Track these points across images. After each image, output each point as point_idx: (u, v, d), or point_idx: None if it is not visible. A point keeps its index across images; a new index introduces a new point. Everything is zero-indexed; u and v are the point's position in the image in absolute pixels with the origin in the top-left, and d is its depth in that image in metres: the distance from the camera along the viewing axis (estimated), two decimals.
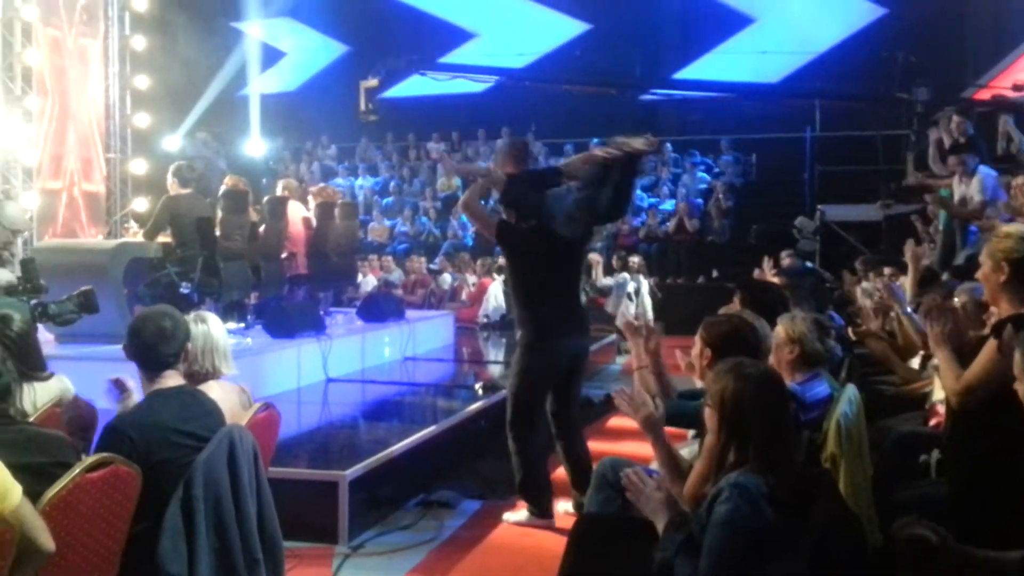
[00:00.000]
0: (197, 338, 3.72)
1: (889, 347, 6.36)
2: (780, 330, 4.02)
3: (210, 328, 3.82)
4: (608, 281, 14.12)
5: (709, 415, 2.97)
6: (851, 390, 3.87)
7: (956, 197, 9.13)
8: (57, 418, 3.67)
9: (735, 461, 2.82)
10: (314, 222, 10.06)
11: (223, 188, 9.14)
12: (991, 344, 3.49)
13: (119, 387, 3.85)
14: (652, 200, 18.00)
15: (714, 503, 2.76)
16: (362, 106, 17.64)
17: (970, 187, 8.89)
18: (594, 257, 15.02)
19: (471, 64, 19.84)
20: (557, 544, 3.88)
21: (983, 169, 8.98)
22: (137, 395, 3.79)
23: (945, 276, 7.00)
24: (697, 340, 3.90)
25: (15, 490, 2.57)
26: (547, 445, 5.74)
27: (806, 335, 3.95)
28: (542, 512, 5.47)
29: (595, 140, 19.27)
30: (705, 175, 18.21)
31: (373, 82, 18.13)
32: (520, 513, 5.56)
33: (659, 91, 18.23)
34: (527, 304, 5.50)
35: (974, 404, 3.56)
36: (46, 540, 2.63)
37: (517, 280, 5.62)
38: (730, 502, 2.70)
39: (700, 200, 17.62)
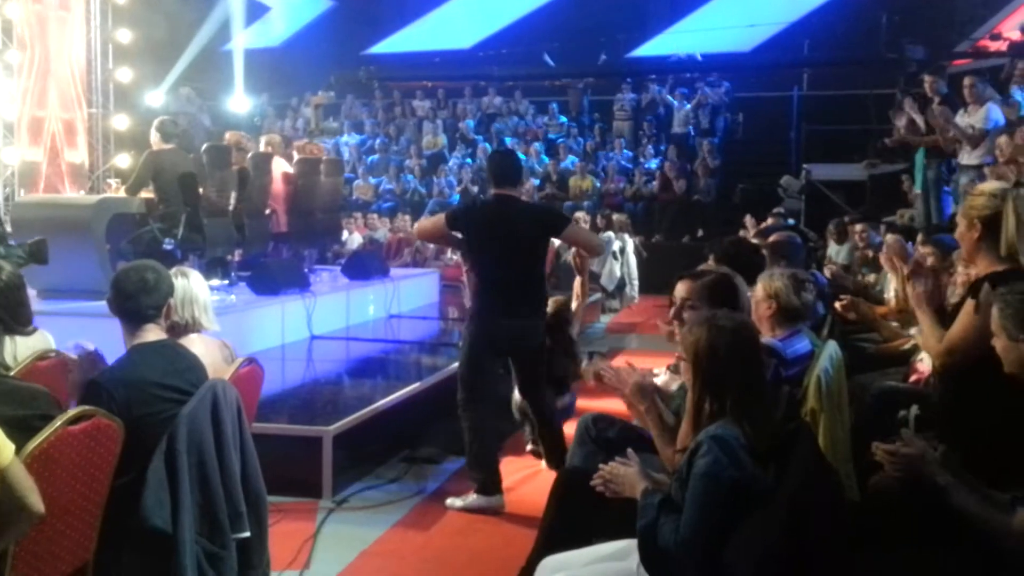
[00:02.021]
0: (177, 290, 3.71)
1: (871, 308, 6.40)
2: (759, 285, 4.04)
3: (190, 281, 3.81)
4: None
5: (684, 368, 2.98)
6: (832, 346, 3.89)
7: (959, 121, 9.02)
8: (39, 373, 3.65)
9: (712, 413, 2.84)
10: (296, 179, 9.99)
11: (207, 143, 9.06)
12: (969, 304, 3.50)
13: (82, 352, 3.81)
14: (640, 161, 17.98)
15: (693, 457, 2.77)
16: (313, 123, 17.62)
17: (975, 115, 8.85)
18: (580, 215, 15.00)
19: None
20: (540, 498, 3.92)
21: (992, 104, 8.92)
22: (99, 359, 3.73)
23: (920, 237, 7.04)
24: (677, 295, 3.90)
25: (6, 449, 2.54)
26: (498, 425, 5.69)
27: (782, 290, 3.96)
28: (487, 489, 5.21)
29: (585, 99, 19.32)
30: (687, 103, 18.18)
31: (321, 98, 18.05)
32: (466, 498, 5.25)
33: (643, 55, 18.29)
34: (475, 275, 5.43)
35: (957, 365, 3.56)
36: (36, 501, 2.59)
37: (470, 252, 5.52)
38: (710, 454, 2.71)
39: (688, 130, 17.67)
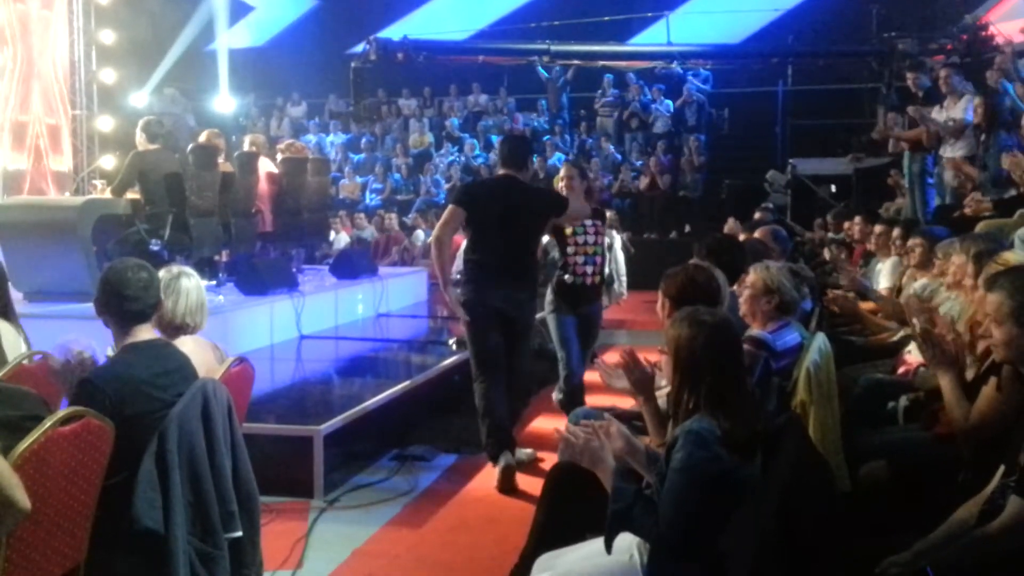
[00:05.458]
0: (180, 292, 3.67)
1: (855, 303, 6.44)
2: (756, 279, 4.04)
3: (192, 283, 3.75)
4: None
5: (665, 362, 2.99)
6: (821, 338, 3.91)
7: (937, 116, 9.01)
8: (25, 375, 3.63)
9: (691, 407, 2.83)
10: (281, 178, 9.96)
11: (192, 144, 9.02)
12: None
13: (70, 352, 3.71)
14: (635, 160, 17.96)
15: (671, 451, 2.78)
16: (353, 101, 17.35)
17: (955, 108, 8.84)
18: None
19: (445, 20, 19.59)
20: (533, 496, 3.92)
21: (970, 96, 8.90)
22: (90, 355, 3.57)
23: (897, 230, 7.07)
24: (660, 293, 3.92)
25: None
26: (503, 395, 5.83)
27: (784, 284, 3.97)
28: (489, 455, 5.69)
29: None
30: (670, 103, 18.11)
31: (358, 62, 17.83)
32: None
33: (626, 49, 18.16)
34: (469, 249, 5.82)
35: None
36: (21, 497, 2.59)
37: (471, 225, 5.81)
38: (684, 449, 2.71)
39: (669, 123, 17.66)
